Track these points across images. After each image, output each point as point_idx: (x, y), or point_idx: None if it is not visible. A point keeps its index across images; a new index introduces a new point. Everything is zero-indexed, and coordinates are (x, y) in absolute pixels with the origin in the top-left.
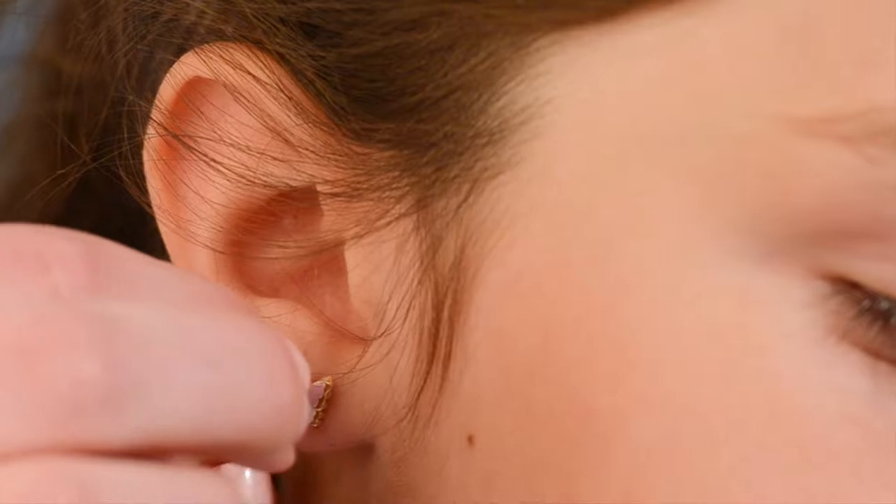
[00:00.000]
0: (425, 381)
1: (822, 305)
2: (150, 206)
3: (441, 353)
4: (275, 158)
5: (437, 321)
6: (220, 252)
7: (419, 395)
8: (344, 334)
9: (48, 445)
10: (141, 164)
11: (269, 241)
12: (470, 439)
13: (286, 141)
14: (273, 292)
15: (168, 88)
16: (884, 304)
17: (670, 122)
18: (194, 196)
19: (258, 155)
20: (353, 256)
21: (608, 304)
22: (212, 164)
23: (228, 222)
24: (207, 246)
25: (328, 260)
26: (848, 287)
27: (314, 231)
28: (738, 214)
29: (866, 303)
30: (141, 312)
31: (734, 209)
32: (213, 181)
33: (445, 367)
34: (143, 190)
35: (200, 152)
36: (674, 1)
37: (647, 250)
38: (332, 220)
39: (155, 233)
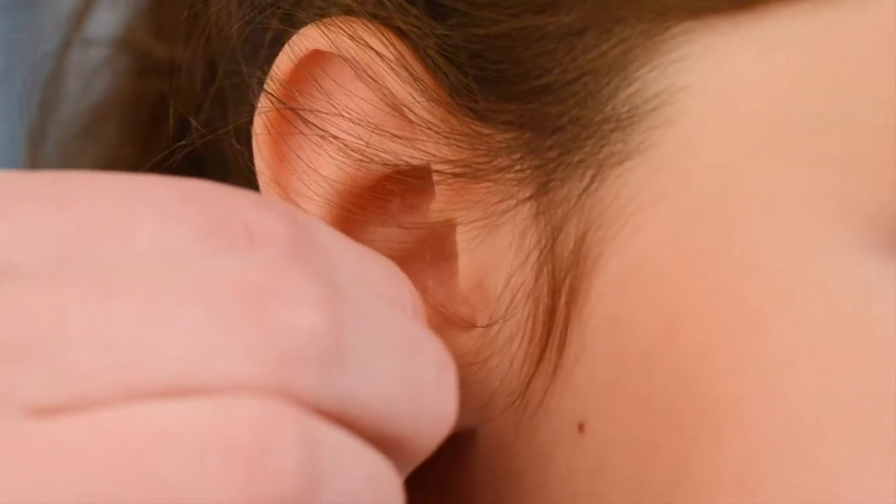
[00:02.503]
0: (537, 368)
1: None
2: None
3: (556, 339)
4: (393, 135)
5: (553, 308)
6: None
7: (530, 382)
8: (450, 320)
9: (271, 386)
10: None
11: (376, 221)
12: (580, 426)
13: (406, 118)
14: None
15: (286, 60)
16: None
17: (807, 113)
18: (307, 169)
19: (377, 130)
20: (465, 240)
21: (735, 292)
22: (329, 137)
23: (340, 197)
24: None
25: (433, 243)
26: None
27: (423, 213)
28: (871, 207)
29: None
30: (349, 292)
31: (868, 201)
32: (328, 155)
33: (559, 353)
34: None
35: (317, 125)
36: None
37: (778, 239)
38: (443, 201)
39: None
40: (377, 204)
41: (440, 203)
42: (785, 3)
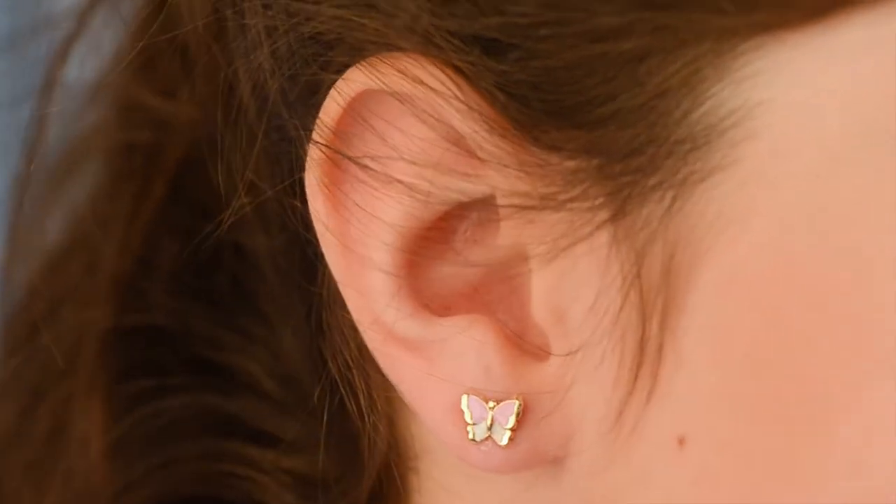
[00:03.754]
0: (631, 393)
1: None
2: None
3: (649, 361)
4: (455, 171)
5: (644, 331)
6: (395, 275)
7: (624, 407)
8: (525, 351)
9: None
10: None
11: (440, 259)
12: (681, 441)
13: (467, 153)
14: (445, 310)
15: (333, 105)
16: None
17: (886, 118)
18: (365, 216)
19: (438, 168)
20: (538, 271)
21: (836, 288)
22: (389, 181)
23: (404, 240)
24: (381, 269)
25: (505, 276)
26: None
27: (490, 246)
28: None
29: None
30: None
31: None
32: (388, 199)
33: (654, 374)
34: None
35: (375, 170)
36: (877, 1)
37: (874, 240)
38: (512, 233)
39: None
40: (440, 241)
41: (509, 235)
42: (853, 13)
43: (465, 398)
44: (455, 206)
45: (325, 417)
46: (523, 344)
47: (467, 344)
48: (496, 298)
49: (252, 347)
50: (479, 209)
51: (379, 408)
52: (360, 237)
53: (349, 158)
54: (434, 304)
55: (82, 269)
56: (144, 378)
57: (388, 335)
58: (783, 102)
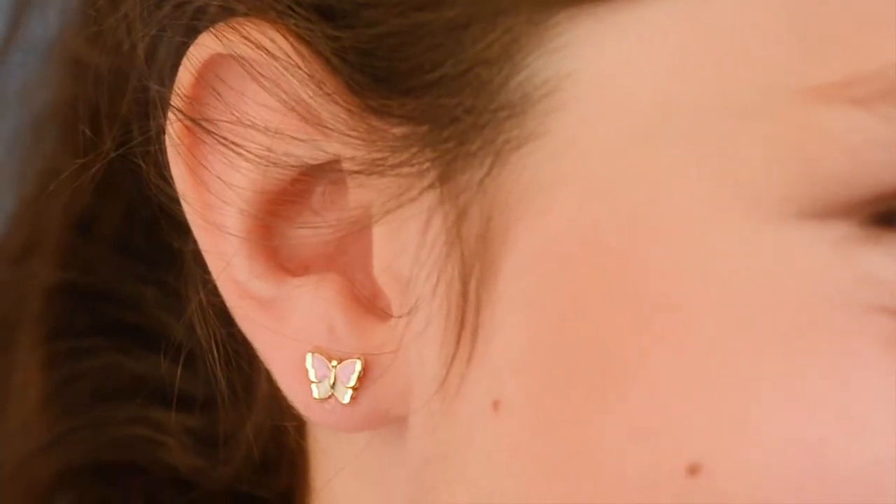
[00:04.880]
0: (455, 353)
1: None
2: (170, 197)
3: (469, 323)
4: (294, 138)
5: (464, 293)
6: (247, 239)
7: (450, 367)
8: (371, 310)
9: None
10: (162, 153)
11: (299, 219)
12: (495, 405)
13: (306, 119)
14: (304, 270)
15: (186, 72)
16: None
17: (690, 95)
18: (218, 182)
19: (277, 134)
20: (378, 232)
21: (639, 265)
22: (232, 147)
23: (255, 206)
24: (234, 234)
25: (357, 236)
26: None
27: (343, 207)
28: (769, 184)
29: None
30: None
31: (765, 179)
32: (236, 165)
33: (474, 337)
34: (166, 180)
35: (221, 136)
36: None
37: (675, 216)
38: (357, 196)
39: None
40: (296, 204)
41: (355, 198)
42: None
43: (309, 356)
44: (304, 170)
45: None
46: (369, 304)
47: (314, 303)
48: (350, 259)
49: (176, 307)
50: (333, 170)
51: (258, 365)
52: (213, 202)
53: (197, 124)
54: (292, 263)
55: (30, 225)
56: (73, 338)
57: (243, 293)
58: (589, 75)
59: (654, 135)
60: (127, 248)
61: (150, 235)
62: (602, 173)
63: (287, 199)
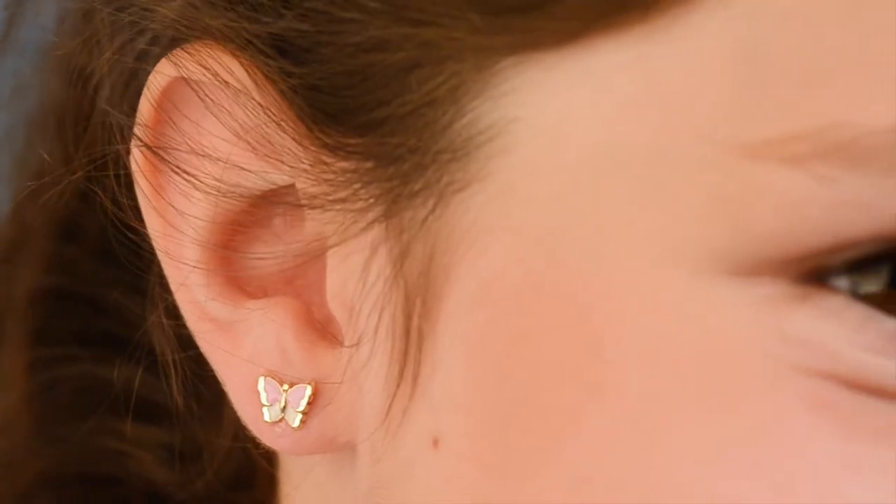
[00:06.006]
0: (398, 387)
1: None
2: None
3: (412, 359)
4: (244, 169)
5: (407, 328)
6: (204, 267)
7: (392, 401)
8: (324, 337)
9: None
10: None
11: (259, 243)
12: (435, 442)
13: (255, 149)
14: (263, 293)
15: (145, 99)
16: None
17: (632, 145)
18: (173, 210)
19: (228, 165)
20: (331, 262)
21: (575, 315)
22: (185, 177)
23: (209, 235)
24: (190, 262)
25: (314, 263)
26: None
27: (301, 232)
28: (703, 238)
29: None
30: None
31: (699, 232)
32: (190, 194)
33: (416, 373)
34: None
35: (175, 165)
36: (631, 25)
37: (611, 267)
38: (313, 224)
39: None
40: (258, 225)
41: (311, 225)
42: (602, 37)
43: (261, 380)
44: (257, 199)
45: (177, 393)
46: (323, 331)
47: (268, 327)
48: (307, 284)
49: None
50: (294, 195)
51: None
52: (170, 230)
53: (152, 151)
54: (251, 285)
55: (18, 227)
56: (55, 343)
57: (201, 314)
58: (533, 121)
59: (594, 183)
60: (111, 256)
61: (132, 244)
62: (542, 220)
63: (245, 224)
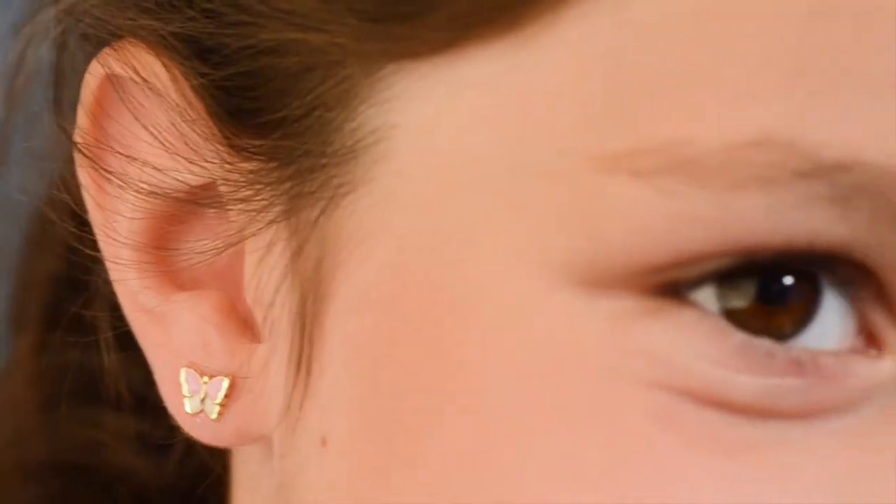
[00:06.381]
0: (294, 385)
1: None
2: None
3: (305, 357)
4: (160, 170)
5: (301, 327)
6: (138, 263)
7: (290, 398)
8: (244, 332)
9: None
10: None
11: (191, 235)
12: (323, 441)
13: (171, 149)
14: (193, 286)
15: (83, 98)
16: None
17: (498, 154)
18: (106, 210)
19: (150, 166)
20: (247, 259)
21: (440, 322)
22: (109, 177)
23: (141, 232)
24: (125, 261)
25: (240, 258)
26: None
27: (227, 228)
28: (559, 250)
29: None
30: None
31: (556, 245)
32: (121, 195)
33: (308, 371)
34: None
35: (102, 165)
36: (501, 36)
37: (475, 276)
38: (233, 220)
39: None
40: (190, 219)
41: (235, 220)
42: (471, 48)
43: (183, 371)
44: (182, 197)
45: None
46: (243, 325)
47: (193, 319)
48: (232, 279)
49: None
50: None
51: None
52: (108, 228)
53: (79, 151)
54: (184, 277)
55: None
56: (60, 330)
57: (135, 305)
58: (410, 129)
59: (463, 192)
60: None
61: None
62: (416, 226)
63: (179, 218)
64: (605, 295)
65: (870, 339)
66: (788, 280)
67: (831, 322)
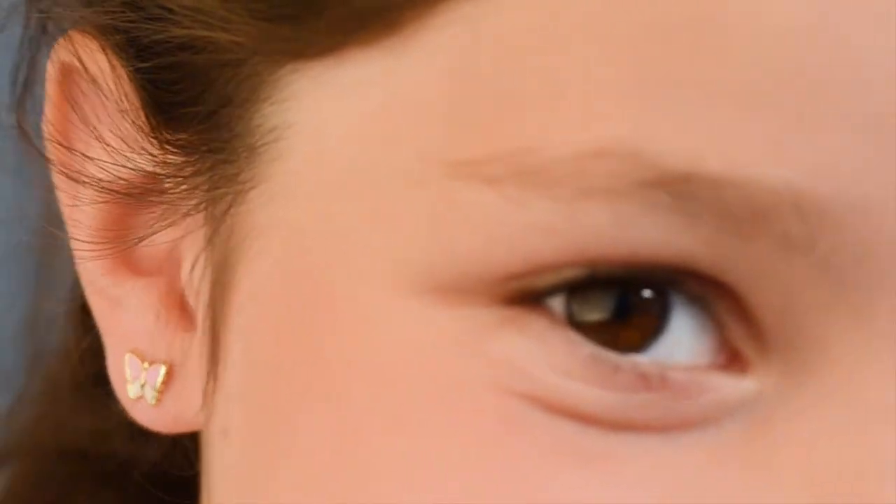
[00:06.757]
0: (208, 375)
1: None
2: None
3: (215, 349)
4: (90, 157)
5: (212, 318)
6: (94, 250)
7: (205, 389)
8: (183, 319)
9: None
10: None
11: (141, 226)
12: (225, 432)
13: (102, 139)
14: (147, 273)
15: (47, 87)
16: None
17: (370, 161)
18: (69, 196)
19: (87, 154)
20: (184, 249)
21: (312, 323)
22: (57, 168)
23: (99, 219)
24: (84, 250)
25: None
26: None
27: (161, 218)
28: (419, 258)
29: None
30: None
31: (416, 252)
32: (73, 185)
33: (216, 362)
34: None
35: (52, 157)
36: (379, 40)
37: (344, 280)
38: (164, 210)
39: None
40: (141, 209)
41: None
42: (360, 50)
43: (127, 356)
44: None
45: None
46: (183, 313)
47: (139, 306)
48: (176, 268)
49: None
50: None
51: None
52: (71, 212)
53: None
54: (141, 264)
55: None
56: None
57: (93, 289)
58: (304, 128)
59: (341, 195)
60: None
61: None
62: (301, 225)
63: (129, 207)
64: (461, 303)
65: (734, 356)
66: (642, 293)
67: (684, 338)
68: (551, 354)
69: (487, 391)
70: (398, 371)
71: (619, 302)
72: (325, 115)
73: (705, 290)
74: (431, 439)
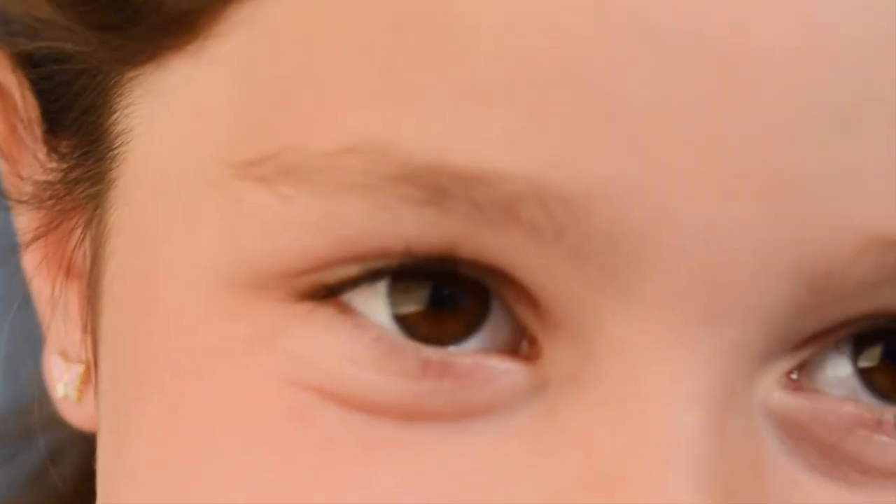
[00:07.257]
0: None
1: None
2: None
3: (95, 348)
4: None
5: (90, 320)
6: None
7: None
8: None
9: None
10: None
11: (67, 231)
12: (98, 426)
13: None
14: (77, 275)
15: None
16: None
17: (179, 164)
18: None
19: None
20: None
21: (141, 320)
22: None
23: (34, 223)
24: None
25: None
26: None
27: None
28: (217, 255)
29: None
30: None
31: (213, 253)
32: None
33: (96, 362)
34: None
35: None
36: (181, 49)
37: (160, 279)
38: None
39: None
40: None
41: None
42: (172, 57)
43: (54, 356)
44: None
45: None
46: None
47: (67, 308)
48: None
49: None
50: None
51: None
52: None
53: None
54: (74, 267)
55: None
56: None
57: (37, 290)
58: (140, 133)
59: (161, 196)
60: None
61: None
62: (135, 227)
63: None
64: (258, 299)
65: (529, 342)
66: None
67: (507, 327)
68: (337, 343)
69: (281, 386)
70: (204, 368)
71: (435, 294)
72: (151, 120)
73: (487, 279)
74: (230, 437)
